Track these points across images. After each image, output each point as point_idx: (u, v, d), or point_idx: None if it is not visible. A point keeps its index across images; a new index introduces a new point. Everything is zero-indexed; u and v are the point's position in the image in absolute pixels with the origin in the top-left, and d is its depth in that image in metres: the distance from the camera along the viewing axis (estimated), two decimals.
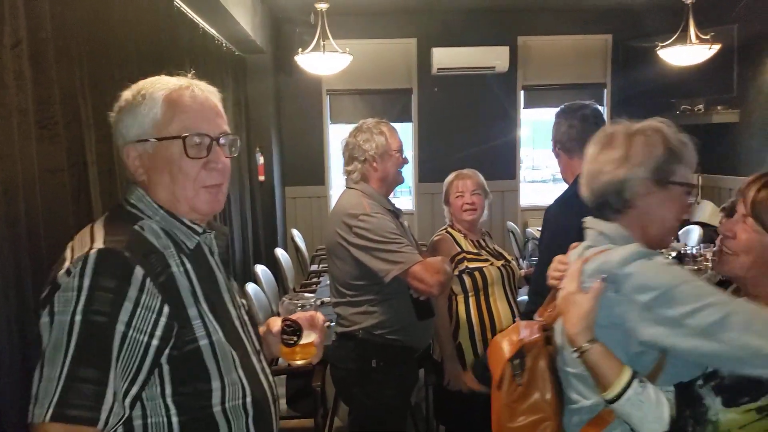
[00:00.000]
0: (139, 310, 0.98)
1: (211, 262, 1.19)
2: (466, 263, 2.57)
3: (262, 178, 5.61)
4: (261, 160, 5.58)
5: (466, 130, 6.24)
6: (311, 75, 5.22)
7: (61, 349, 0.93)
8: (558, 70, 6.33)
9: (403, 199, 7.15)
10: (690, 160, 1.28)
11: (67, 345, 0.93)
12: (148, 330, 0.99)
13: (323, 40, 4.54)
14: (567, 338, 1.25)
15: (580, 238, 1.38)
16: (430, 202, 6.28)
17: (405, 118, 6.35)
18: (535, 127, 9.01)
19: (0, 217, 1.51)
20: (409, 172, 6.41)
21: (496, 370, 1.41)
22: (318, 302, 3.51)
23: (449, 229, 2.72)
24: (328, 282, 2.42)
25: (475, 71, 5.98)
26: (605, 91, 6.38)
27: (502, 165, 6.28)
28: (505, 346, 1.41)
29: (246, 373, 1.12)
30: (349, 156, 2.30)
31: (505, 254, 2.74)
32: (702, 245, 4.42)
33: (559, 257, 1.44)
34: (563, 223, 1.81)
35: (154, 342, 1.00)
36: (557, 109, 2.19)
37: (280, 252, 4.86)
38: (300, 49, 4.74)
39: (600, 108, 2.24)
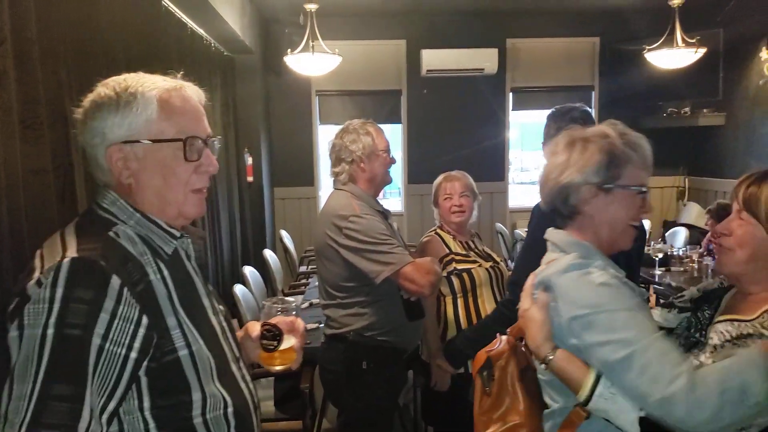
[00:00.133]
0: (116, 321, 0.93)
1: (189, 267, 1.15)
2: (454, 265, 2.58)
3: (250, 178, 5.58)
4: (249, 160, 5.56)
5: (456, 132, 6.26)
6: (300, 76, 5.21)
7: (33, 364, 0.87)
8: (546, 72, 6.36)
9: (393, 200, 7.16)
10: (642, 162, 1.30)
11: (39, 360, 0.88)
12: (126, 342, 0.94)
13: (312, 41, 4.54)
14: (532, 352, 1.29)
15: None
16: (419, 203, 6.29)
17: (394, 119, 6.36)
18: (524, 129, 9.05)
19: None
20: (398, 173, 6.41)
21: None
22: (306, 304, 3.50)
23: (438, 231, 2.72)
24: (317, 283, 2.41)
25: (464, 73, 6.00)
26: (593, 93, 6.43)
27: (491, 167, 6.31)
28: (481, 358, 1.45)
29: (227, 383, 1.09)
30: (336, 157, 2.29)
31: (494, 256, 2.74)
32: (688, 247, 4.47)
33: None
34: (544, 222, 1.83)
35: (133, 354, 0.95)
36: (547, 112, 2.22)
37: (268, 253, 4.84)
38: (289, 50, 4.73)
39: (590, 110, 2.27)
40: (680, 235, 5.11)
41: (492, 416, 1.38)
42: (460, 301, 2.56)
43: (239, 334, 1.30)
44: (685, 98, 5.99)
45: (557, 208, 1.33)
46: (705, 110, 5.97)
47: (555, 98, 6.10)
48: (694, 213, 5.84)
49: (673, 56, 4.71)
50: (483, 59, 5.94)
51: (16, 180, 1.63)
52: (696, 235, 4.99)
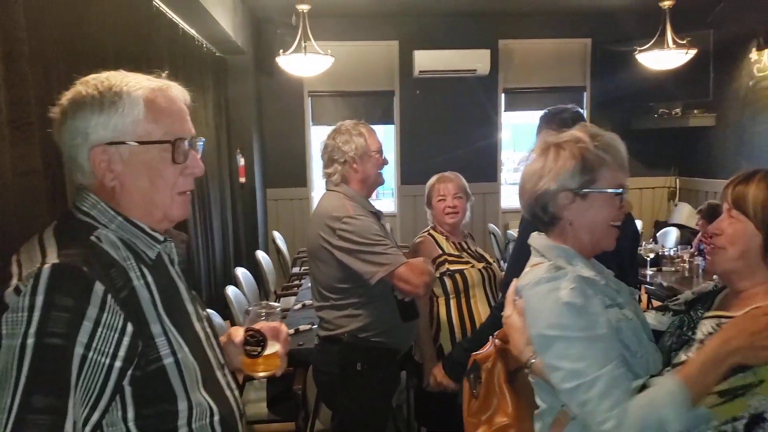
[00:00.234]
0: (99, 330, 0.89)
1: (172, 272, 1.12)
2: (447, 266, 2.58)
3: (242, 179, 5.57)
4: (242, 161, 5.55)
5: (448, 133, 6.27)
6: (293, 76, 5.20)
7: (12, 376, 0.83)
8: (538, 73, 6.39)
9: (386, 201, 7.16)
10: (617, 162, 1.30)
11: (19, 371, 0.83)
12: (110, 351, 0.91)
13: (305, 42, 4.53)
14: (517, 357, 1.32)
15: None
16: (412, 204, 6.29)
17: (387, 120, 6.36)
18: (516, 129, 9.07)
19: None
20: (391, 174, 6.42)
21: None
22: (299, 306, 3.50)
23: (431, 232, 2.72)
24: (310, 285, 2.41)
25: (456, 74, 6.01)
26: (585, 94, 6.46)
27: (484, 167, 6.32)
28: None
29: (212, 391, 1.06)
30: (329, 158, 2.29)
31: (487, 256, 2.75)
32: (679, 247, 4.49)
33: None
34: (533, 225, 1.84)
35: (117, 364, 0.92)
36: (539, 112, 2.22)
37: (261, 254, 4.83)
38: (281, 51, 4.72)
39: (581, 111, 2.28)
40: (671, 235, 5.15)
41: (480, 418, 1.40)
42: (452, 302, 2.57)
43: (222, 339, 1.27)
44: (676, 99, 6.03)
45: (537, 216, 1.33)
46: (696, 111, 6.02)
47: (547, 99, 6.13)
48: (685, 213, 5.88)
49: (664, 57, 4.74)
50: (475, 60, 5.95)
51: (6, 181, 1.62)
52: (687, 235, 5.02)
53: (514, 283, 1.34)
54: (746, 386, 1.10)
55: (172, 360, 0.99)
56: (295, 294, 4.12)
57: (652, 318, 1.43)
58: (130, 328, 0.94)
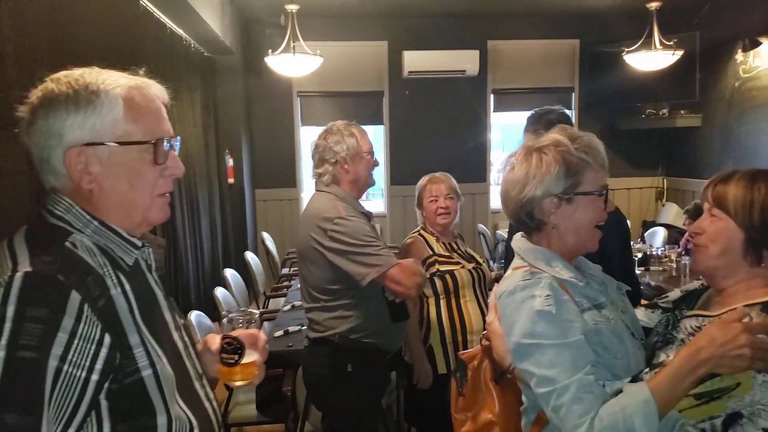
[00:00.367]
0: (75, 341, 0.85)
1: (150, 279, 1.07)
2: (437, 266, 2.58)
3: (231, 180, 5.54)
4: (230, 162, 5.52)
5: (438, 133, 6.28)
6: (281, 76, 5.18)
7: None
8: (527, 74, 6.42)
9: (375, 201, 7.15)
10: (599, 163, 1.30)
11: None
12: (87, 364, 0.86)
13: (293, 42, 4.52)
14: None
15: None
16: (402, 204, 6.29)
17: (376, 120, 6.35)
18: (505, 130, 9.11)
19: None
20: (380, 174, 6.41)
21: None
22: (288, 307, 3.48)
23: (421, 232, 2.72)
24: (300, 286, 2.39)
25: (445, 74, 6.02)
26: (573, 95, 6.49)
27: (473, 168, 6.34)
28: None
29: (191, 402, 1.02)
30: (320, 158, 2.28)
31: (476, 257, 2.75)
32: (667, 246, 4.53)
33: None
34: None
35: (94, 377, 0.87)
36: (528, 113, 2.22)
37: (250, 255, 4.80)
38: (270, 51, 4.70)
39: (567, 112, 2.29)
40: (659, 234, 5.18)
41: (467, 414, 1.43)
42: (442, 302, 2.57)
43: (198, 346, 1.22)
44: (663, 100, 6.08)
45: (523, 222, 1.34)
46: (682, 111, 6.07)
47: (535, 99, 6.16)
48: (673, 213, 5.93)
49: (651, 58, 4.77)
50: (464, 61, 5.97)
51: None
52: (674, 234, 5.06)
53: (496, 288, 1.35)
54: (723, 389, 1.11)
55: (151, 372, 0.94)
56: (284, 295, 4.10)
57: (642, 314, 1.44)
58: (107, 339, 0.89)
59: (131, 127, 1.00)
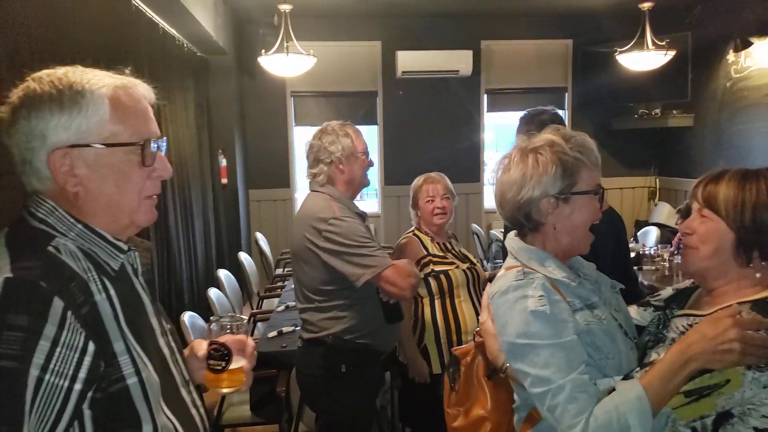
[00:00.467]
0: (58, 350, 0.82)
1: (136, 283, 1.04)
2: (432, 266, 2.58)
3: (224, 180, 5.53)
4: (224, 162, 5.51)
5: (431, 133, 6.29)
6: (275, 77, 5.17)
7: None
8: (520, 74, 6.43)
9: (369, 201, 7.15)
10: (593, 162, 1.31)
11: None
12: (70, 373, 0.83)
13: (287, 42, 4.51)
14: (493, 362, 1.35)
15: None
16: (396, 204, 6.29)
17: (370, 120, 6.35)
18: (499, 130, 9.12)
19: None
20: (375, 174, 6.41)
21: None
22: (282, 307, 3.47)
23: (416, 232, 2.72)
24: (294, 286, 2.39)
25: (439, 74, 6.03)
26: (566, 95, 6.51)
27: (467, 168, 6.34)
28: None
29: (177, 410, 1.00)
30: (315, 158, 2.27)
31: (470, 257, 2.75)
32: (659, 246, 4.55)
33: None
34: None
35: (77, 386, 0.84)
36: (520, 114, 2.23)
37: (243, 256, 4.79)
38: (263, 51, 4.69)
39: (560, 113, 2.30)
40: (652, 234, 5.20)
41: (459, 409, 1.44)
42: (437, 303, 2.57)
43: (184, 352, 1.19)
44: (656, 100, 6.11)
45: (521, 224, 1.34)
46: (675, 111, 6.10)
47: (529, 99, 6.19)
48: (665, 212, 5.96)
49: (644, 58, 4.79)
50: (458, 61, 5.97)
51: None
52: (667, 234, 5.08)
53: (488, 288, 1.35)
54: (712, 386, 1.11)
55: (136, 380, 0.92)
56: (278, 296, 4.09)
57: (634, 313, 1.45)
58: (91, 347, 0.86)
59: (118, 128, 0.97)
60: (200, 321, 2.84)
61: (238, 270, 4.59)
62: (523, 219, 1.32)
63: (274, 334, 2.98)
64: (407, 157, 6.08)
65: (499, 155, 1.42)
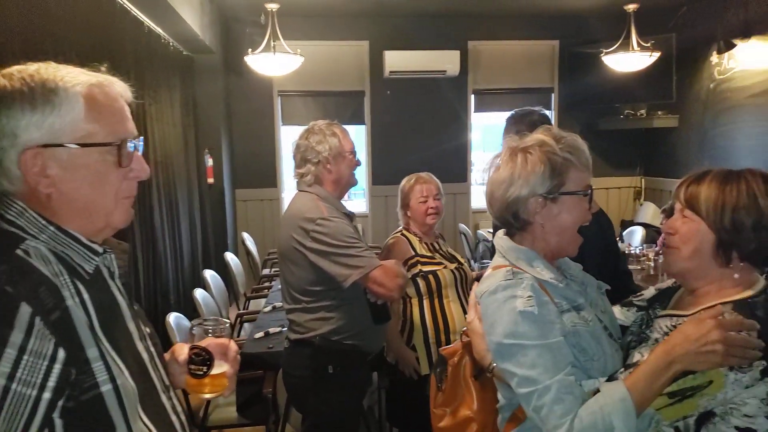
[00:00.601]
0: (25, 357, 0.79)
1: (112, 286, 1.00)
2: (420, 267, 2.58)
3: (211, 180, 5.49)
4: (210, 162, 5.47)
5: (419, 133, 6.29)
6: (262, 76, 5.15)
7: None
8: (507, 74, 6.45)
9: (357, 201, 7.14)
10: (583, 163, 1.31)
11: None
12: (38, 382, 0.80)
13: (274, 41, 4.49)
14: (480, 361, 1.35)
15: None
16: (383, 204, 6.29)
17: (358, 120, 6.34)
18: (486, 130, 9.15)
19: None
20: (362, 174, 6.40)
21: None
22: (269, 308, 3.45)
23: (404, 232, 2.72)
24: (281, 287, 2.38)
25: (426, 74, 6.03)
26: (553, 95, 6.54)
27: (454, 168, 6.35)
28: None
29: (156, 417, 0.97)
30: (302, 158, 2.25)
31: (458, 257, 2.76)
32: (645, 245, 4.59)
33: None
34: None
35: (46, 395, 0.81)
36: (509, 114, 2.23)
37: (230, 256, 4.76)
38: (250, 50, 4.67)
39: (547, 113, 2.30)
40: (637, 234, 5.25)
41: (446, 409, 1.44)
42: (425, 303, 2.57)
43: (165, 356, 1.15)
44: (641, 100, 6.16)
45: (509, 222, 1.34)
46: (660, 112, 6.16)
47: (516, 100, 6.21)
48: (650, 212, 6.01)
49: (629, 59, 4.84)
50: (445, 61, 5.98)
51: None
52: (652, 233, 5.13)
53: (475, 288, 1.36)
54: (695, 387, 1.12)
55: (111, 387, 0.88)
56: (265, 296, 4.07)
57: (618, 312, 1.45)
58: (61, 354, 0.83)
59: (93, 128, 0.94)
60: (186, 322, 2.82)
61: (224, 270, 4.55)
62: (510, 218, 1.32)
63: (260, 334, 2.96)
64: (395, 157, 6.08)
65: (487, 155, 1.42)
